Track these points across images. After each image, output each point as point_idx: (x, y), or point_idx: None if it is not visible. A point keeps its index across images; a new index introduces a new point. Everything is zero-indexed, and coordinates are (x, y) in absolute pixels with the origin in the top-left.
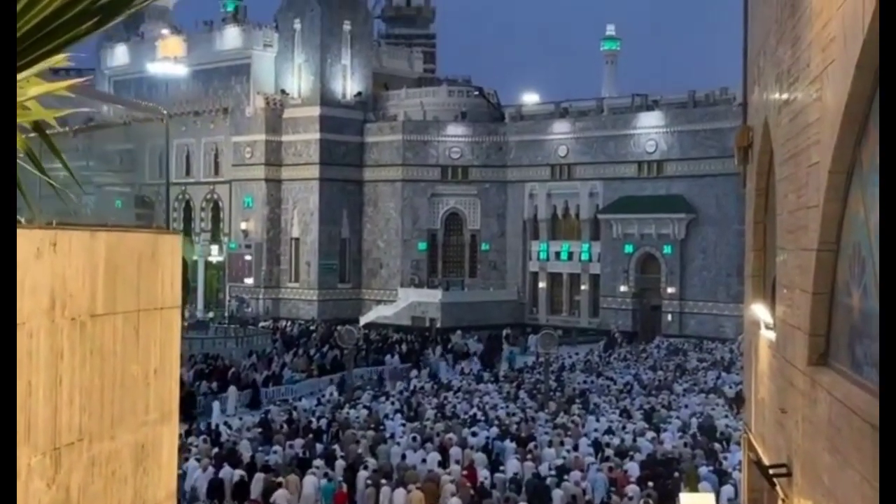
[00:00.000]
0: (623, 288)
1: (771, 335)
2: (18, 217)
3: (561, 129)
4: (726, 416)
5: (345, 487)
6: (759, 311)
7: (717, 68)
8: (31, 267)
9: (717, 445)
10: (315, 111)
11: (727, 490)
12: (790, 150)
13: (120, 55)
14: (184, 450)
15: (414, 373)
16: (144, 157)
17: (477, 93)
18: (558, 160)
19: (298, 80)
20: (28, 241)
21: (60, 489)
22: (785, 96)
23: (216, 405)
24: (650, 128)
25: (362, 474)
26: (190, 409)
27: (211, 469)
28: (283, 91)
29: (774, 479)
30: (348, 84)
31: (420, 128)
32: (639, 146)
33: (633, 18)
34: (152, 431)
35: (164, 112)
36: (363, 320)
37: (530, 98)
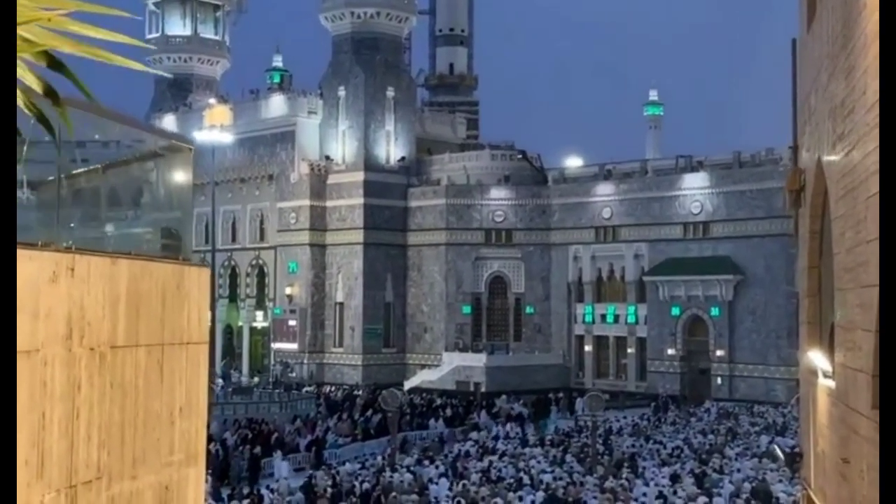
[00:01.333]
0: (671, 351)
1: (830, 383)
2: (35, 239)
3: (605, 191)
4: (781, 481)
5: None
6: (817, 358)
7: (761, 130)
8: (45, 291)
9: None
10: (359, 176)
11: None
12: (846, 186)
13: (168, 124)
14: None
15: (473, 434)
16: (174, 192)
17: (520, 156)
18: (602, 222)
19: (342, 146)
20: (43, 264)
21: None
22: (840, 130)
23: (284, 464)
24: (695, 189)
25: None
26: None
27: None
28: (327, 157)
29: None
30: (392, 149)
31: (463, 192)
32: (684, 207)
33: (676, 82)
34: (177, 473)
35: (192, 144)
36: (407, 385)
37: (573, 161)
